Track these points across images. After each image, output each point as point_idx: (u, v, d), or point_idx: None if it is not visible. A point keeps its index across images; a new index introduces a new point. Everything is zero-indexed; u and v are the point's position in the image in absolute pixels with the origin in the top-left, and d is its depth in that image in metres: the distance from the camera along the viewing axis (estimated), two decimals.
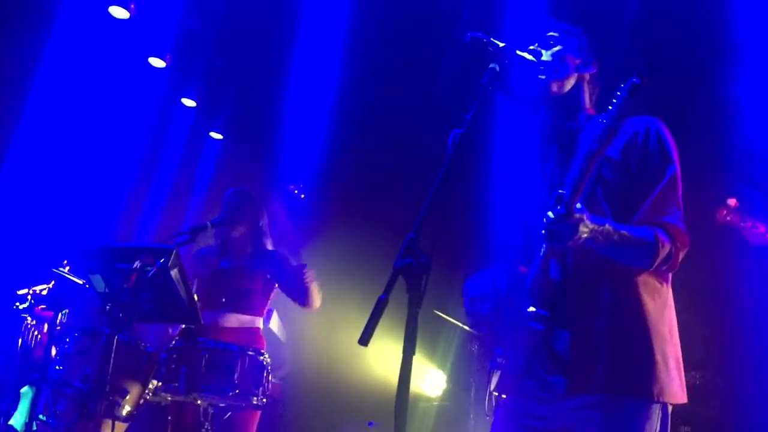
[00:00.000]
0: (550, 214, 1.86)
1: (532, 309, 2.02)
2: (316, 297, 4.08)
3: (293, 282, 4.08)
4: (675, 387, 2.02)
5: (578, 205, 1.85)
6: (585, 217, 1.86)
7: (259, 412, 3.86)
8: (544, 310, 2.02)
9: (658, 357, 2.01)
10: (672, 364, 2.04)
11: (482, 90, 1.98)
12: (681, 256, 2.03)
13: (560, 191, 1.86)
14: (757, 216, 4.03)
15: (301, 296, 4.12)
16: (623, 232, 1.95)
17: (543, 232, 1.90)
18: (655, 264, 1.99)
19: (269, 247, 4.30)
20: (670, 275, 2.14)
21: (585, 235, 1.88)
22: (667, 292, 2.12)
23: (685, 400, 2.05)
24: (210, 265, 4.18)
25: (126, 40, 5.45)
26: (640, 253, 1.99)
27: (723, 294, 5.21)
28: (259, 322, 4.13)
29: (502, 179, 2.43)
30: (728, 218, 4.11)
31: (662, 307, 2.08)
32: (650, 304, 2.05)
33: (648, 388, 1.98)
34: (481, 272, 2.37)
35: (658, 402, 1.99)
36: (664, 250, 1.98)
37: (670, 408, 2.04)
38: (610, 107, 1.91)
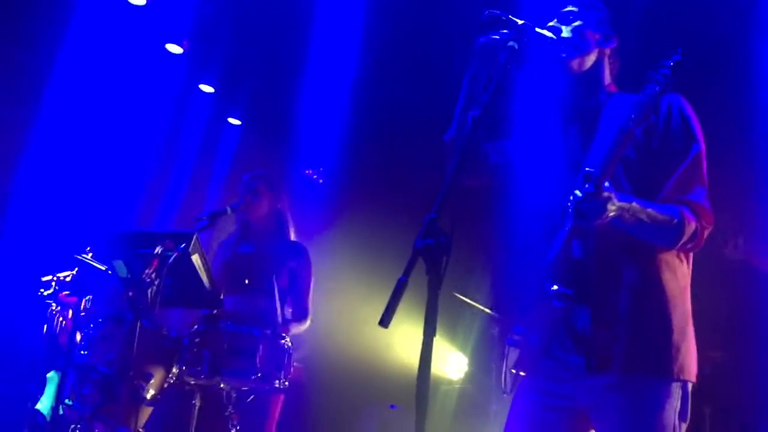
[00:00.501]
0: (578, 192, 1.83)
1: (555, 287, 2.00)
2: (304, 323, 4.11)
3: (300, 284, 4.10)
4: (694, 365, 2.01)
5: (606, 184, 1.82)
6: (613, 196, 1.83)
7: (282, 396, 3.89)
8: (568, 288, 2.00)
9: (677, 335, 1.99)
10: (690, 342, 2.03)
11: (501, 68, 1.95)
12: (706, 234, 2.00)
13: (588, 169, 1.82)
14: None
15: (299, 309, 4.15)
16: (650, 210, 1.92)
17: (570, 210, 1.86)
18: (681, 242, 1.97)
19: (293, 236, 4.30)
20: (691, 254, 2.11)
21: (612, 214, 1.85)
22: (686, 270, 2.10)
23: (695, 380, 2.03)
24: (230, 251, 4.20)
25: (143, 27, 5.45)
26: (666, 232, 1.96)
27: (745, 274, 5.16)
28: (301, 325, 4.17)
29: (522, 158, 2.40)
30: (737, 252, 4.09)
31: (682, 285, 2.06)
32: (671, 283, 2.03)
33: (668, 366, 1.96)
34: None
35: (678, 380, 1.98)
36: (690, 228, 1.95)
37: (690, 387, 2.02)
38: (647, 84, 1.85)
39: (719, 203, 2.12)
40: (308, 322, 4.19)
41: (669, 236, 1.98)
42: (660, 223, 1.94)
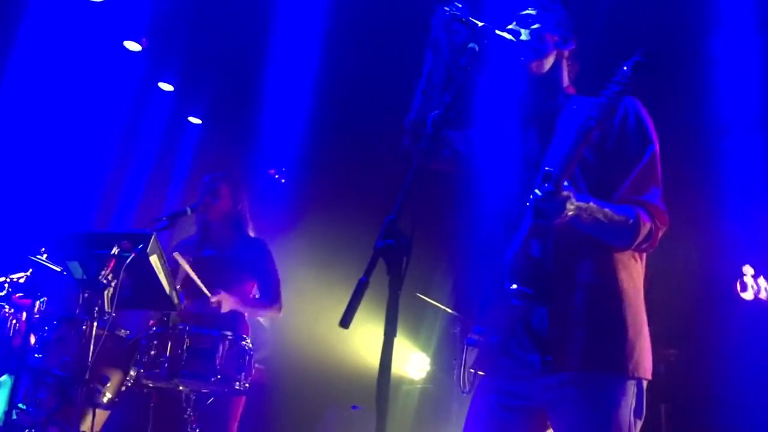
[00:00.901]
0: (537, 191, 1.85)
1: (514, 286, 2.02)
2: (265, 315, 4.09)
3: (267, 277, 4.09)
4: (648, 363, 2.05)
5: (565, 183, 1.84)
6: (572, 195, 1.85)
7: (243, 398, 3.86)
8: (526, 287, 2.02)
9: (633, 333, 2.02)
10: (645, 341, 2.06)
11: (461, 70, 1.97)
12: (660, 234, 2.04)
13: (548, 168, 1.84)
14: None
15: (270, 296, 4.13)
16: (606, 210, 1.95)
17: (530, 209, 1.87)
18: (636, 242, 2.00)
19: (251, 233, 4.27)
20: (645, 254, 2.15)
21: (571, 213, 1.87)
22: (641, 270, 2.14)
23: (650, 377, 2.07)
24: (191, 254, 4.15)
25: (100, 24, 5.36)
26: (622, 232, 1.99)
27: (697, 272, 5.28)
28: (273, 311, 4.18)
29: (481, 159, 2.42)
30: (752, 289, 4.17)
31: (636, 284, 2.10)
32: (626, 282, 2.07)
33: (623, 364, 2.00)
34: None
35: (633, 378, 2.01)
36: (645, 228, 1.99)
37: (645, 384, 2.06)
38: (608, 85, 1.87)
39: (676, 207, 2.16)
40: (280, 310, 4.16)
41: (625, 236, 2.01)
42: (616, 223, 1.97)
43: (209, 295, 3.79)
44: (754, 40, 4.61)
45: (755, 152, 4.89)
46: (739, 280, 4.33)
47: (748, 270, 4.32)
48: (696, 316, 5.23)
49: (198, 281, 3.78)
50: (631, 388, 2.01)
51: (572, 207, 1.85)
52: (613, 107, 1.86)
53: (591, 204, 1.92)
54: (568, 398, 2.00)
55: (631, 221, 1.97)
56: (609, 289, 2.05)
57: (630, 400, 2.00)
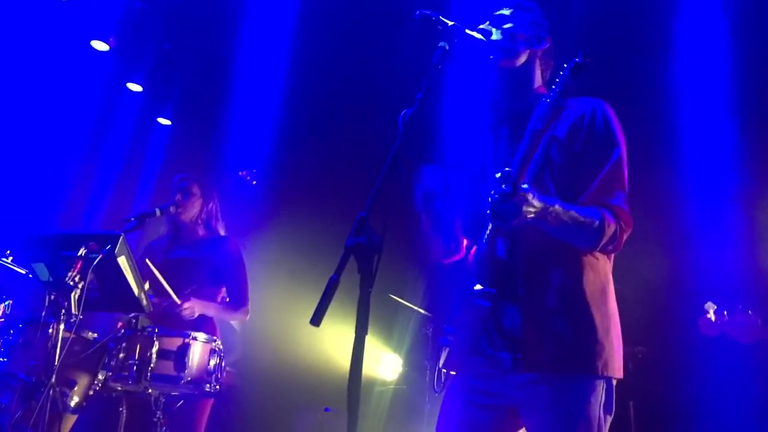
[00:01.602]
0: (494, 193, 1.86)
1: (479, 286, 2.04)
2: (233, 318, 4.04)
3: (236, 279, 4.06)
4: (618, 362, 2.07)
5: (525, 185, 1.85)
6: (531, 196, 1.86)
7: (212, 400, 3.83)
8: (491, 287, 2.04)
9: (601, 333, 2.05)
10: (614, 340, 2.08)
11: (432, 69, 1.97)
12: (625, 236, 2.06)
13: (506, 169, 1.85)
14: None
15: (237, 299, 4.10)
16: (572, 212, 1.96)
17: (488, 210, 1.90)
18: (601, 244, 2.02)
19: (222, 232, 4.24)
20: (612, 254, 2.17)
21: (531, 215, 1.88)
22: (608, 270, 2.16)
23: (621, 376, 2.09)
24: (161, 255, 4.10)
25: (67, 23, 5.27)
26: (587, 234, 2.01)
27: (664, 270, 5.36)
28: (239, 314, 4.13)
29: (454, 158, 2.42)
30: (713, 324, 4.25)
31: (604, 285, 2.12)
32: (594, 282, 2.09)
33: (592, 363, 2.02)
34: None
35: (602, 377, 2.03)
36: (610, 230, 2.01)
37: (614, 382, 2.08)
38: (553, 86, 1.92)
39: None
40: (247, 313, 4.12)
41: (590, 238, 2.02)
42: (581, 225, 1.98)
43: (179, 302, 3.76)
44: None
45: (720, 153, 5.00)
46: (701, 318, 4.42)
47: (710, 307, 4.41)
48: (664, 313, 5.30)
49: (168, 288, 3.74)
50: (601, 385, 2.04)
51: (532, 209, 1.87)
52: (556, 108, 1.92)
53: (556, 206, 1.93)
54: (538, 396, 2.02)
55: (597, 223, 1.99)
56: (577, 289, 2.07)
57: (599, 398, 2.02)
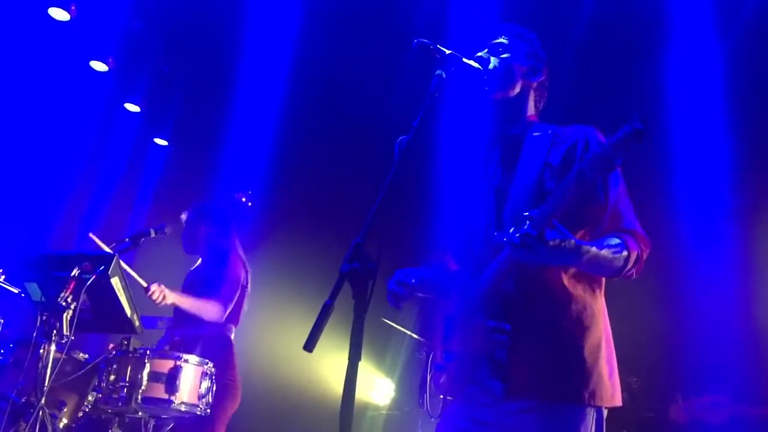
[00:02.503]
0: (515, 232, 1.88)
1: (492, 323, 2.05)
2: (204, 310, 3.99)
3: (215, 272, 4.07)
4: (608, 391, 2.06)
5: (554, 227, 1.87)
6: (571, 242, 1.90)
7: (212, 425, 3.78)
8: (502, 322, 2.05)
9: (591, 363, 2.04)
10: (605, 369, 2.07)
11: (429, 97, 1.99)
12: (645, 257, 2.08)
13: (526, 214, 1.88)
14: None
15: (210, 288, 4.05)
16: (604, 251, 1.98)
17: (508, 247, 1.90)
18: (626, 270, 2.04)
19: (240, 252, 4.26)
20: (604, 282, 2.18)
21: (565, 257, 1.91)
22: (601, 301, 2.16)
23: (620, 403, 2.09)
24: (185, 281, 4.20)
25: (67, 43, 5.31)
26: (615, 266, 2.03)
27: (661, 301, 5.37)
28: (214, 334, 4.06)
29: (448, 184, 2.43)
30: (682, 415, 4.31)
31: (596, 315, 2.11)
32: (585, 312, 2.09)
33: (581, 393, 2.01)
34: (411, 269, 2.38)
35: (591, 406, 2.03)
36: (633, 255, 2.03)
37: (605, 412, 2.08)
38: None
39: None
40: (220, 309, 4.00)
41: (618, 267, 2.04)
42: (612, 260, 2.00)
43: (144, 285, 3.74)
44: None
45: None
46: (671, 407, 4.48)
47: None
48: (660, 344, 5.31)
49: (133, 273, 3.71)
50: (590, 415, 2.03)
51: (568, 249, 1.88)
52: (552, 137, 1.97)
53: (593, 249, 1.95)
54: (529, 424, 2.01)
55: (624, 254, 2.01)
56: (566, 318, 2.07)
57: (589, 427, 2.02)
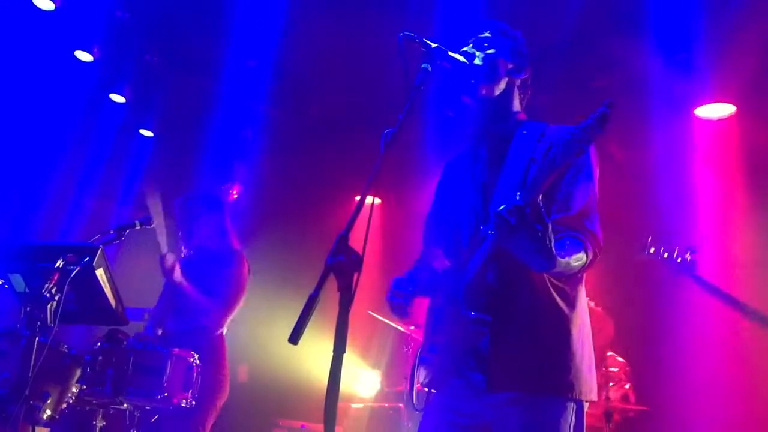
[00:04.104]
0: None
1: (473, 313, 2.06)
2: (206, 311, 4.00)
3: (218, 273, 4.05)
4: (587, 385, 2.09)
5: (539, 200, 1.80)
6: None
7: (198, 416, 3.77)
8: (484, 313, 2.06)
9: (571, 356, 2.07)
10: (585, 363, 2.10)
11: (414, 90, 1.99)
12: (596, 260, 2.08)
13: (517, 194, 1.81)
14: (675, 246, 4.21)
15: (216, 287, 4.05)
16: (567, 260, 1.95)
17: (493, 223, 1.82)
18: (579, 273, 2.07)
19: (236, 246, 4.24)
20: (584, 279, 2.19)
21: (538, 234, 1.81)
22: (581, 295, 2.18)
23: (596, 398, 2.12)
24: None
25: (51, 33, 5.25)
26: (571, 272, 2.02)
27: (645, 296, 5.43)
28: (211, 329, 4.03)
29: (433, 179, 2.44)
30: (646, 253, 4.28)
31: (577, 309, 2.14)
32: (565, 306, 2.11)
33: (561, 385, 2.04)
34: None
35: (572, 399, 2.05)
36: (589, 259, 2.04)
37: (586, 405, 2.10)
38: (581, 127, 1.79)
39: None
40: (219, 307, 4.03)
41: (574, 273, 2.04)
42: (573, 268, 1.99)
43: (164, 250, 3.83)
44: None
45: None
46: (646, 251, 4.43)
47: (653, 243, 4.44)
48: (644, 338, 5.37)
49: (161, 236, 3.82)
50: (571, 408, 2.06)
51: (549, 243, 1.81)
52: (539, 135, 2.00)
53: (563, 261, 1.91)
54: (510, 417, 2.04)
55: (583, 261, 2.01)
56: (547, 314, 2.09)
57: (569, 420, 2.05)
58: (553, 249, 1.83)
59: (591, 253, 2.04)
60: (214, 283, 4.05)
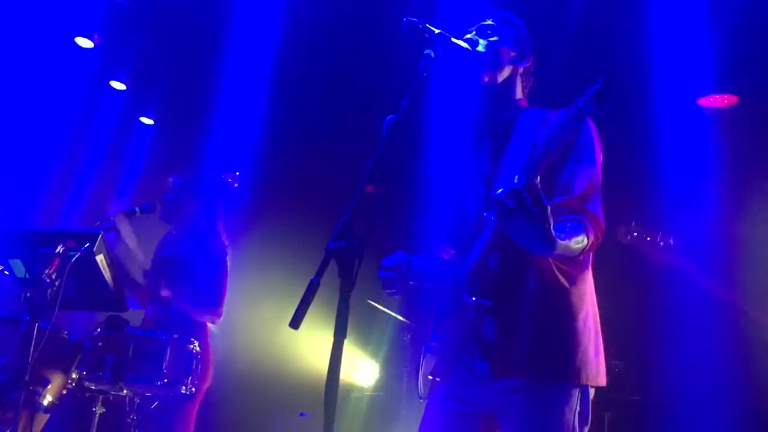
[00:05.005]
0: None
1: (473, 299, 2.04)
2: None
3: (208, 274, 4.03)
4: (593, 370, 2.07)
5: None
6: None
7: (193, 406, 3.78)
8: (486, 300, 2.04)
9: (576, 342, 2.06)
10: (591, 349, 2.09)
11: (417, 76, 1.98)
12: (597, 245, 2.07)
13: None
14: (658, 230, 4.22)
15: (210, 296, 4.01)
16: (566, 242, 1.92)
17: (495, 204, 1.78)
18: (580, 255, 2.03)
19: (223, 236, 4.22)
20: (590, 263, 2.18)
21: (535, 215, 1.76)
22: (588, 280, 2.17)
23: (604, 384, 2.10)
24: (157, 252, 4.12)
25: (51, 19, 5.23)
26: (572, 254, 2.00)
27: (643, 286, 5.42)
28: (205, 313, 4.02)
29: (436, 166, 2.44)
30: (630, 237, 4.29)
31: (583, 294, 2.12)
32: (571, 291, 2.09)
33: (566, 371, 2.03)
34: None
35: (577, 385, 2.04)
36: (589, 242, 2.02)
37: (591, 391, 2.09)
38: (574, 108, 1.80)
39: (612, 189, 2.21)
40: (217, 315, 4.05)
41: (575, 254, 2.02)
42: (573, 250, 1.97)
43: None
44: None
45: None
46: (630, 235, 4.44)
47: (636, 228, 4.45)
48: (641, 328, 5.36)
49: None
50: (576, 394, 2.05)
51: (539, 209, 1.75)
52: (540, 120, 1.96)
53: (563, 243, 1.88)
54: (514, 404, 2.03)
55: (584, 243, 1.99)
56: (553, 299, 2.08)
57: (574, 407, 2.03)
58: (553, 232, 1.81)
59: (592, 235, 2.03)
60: (197, 291, 4.00)
